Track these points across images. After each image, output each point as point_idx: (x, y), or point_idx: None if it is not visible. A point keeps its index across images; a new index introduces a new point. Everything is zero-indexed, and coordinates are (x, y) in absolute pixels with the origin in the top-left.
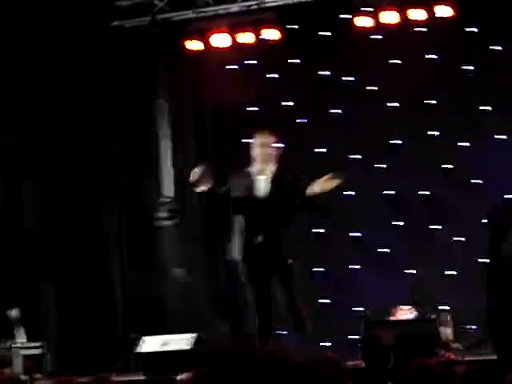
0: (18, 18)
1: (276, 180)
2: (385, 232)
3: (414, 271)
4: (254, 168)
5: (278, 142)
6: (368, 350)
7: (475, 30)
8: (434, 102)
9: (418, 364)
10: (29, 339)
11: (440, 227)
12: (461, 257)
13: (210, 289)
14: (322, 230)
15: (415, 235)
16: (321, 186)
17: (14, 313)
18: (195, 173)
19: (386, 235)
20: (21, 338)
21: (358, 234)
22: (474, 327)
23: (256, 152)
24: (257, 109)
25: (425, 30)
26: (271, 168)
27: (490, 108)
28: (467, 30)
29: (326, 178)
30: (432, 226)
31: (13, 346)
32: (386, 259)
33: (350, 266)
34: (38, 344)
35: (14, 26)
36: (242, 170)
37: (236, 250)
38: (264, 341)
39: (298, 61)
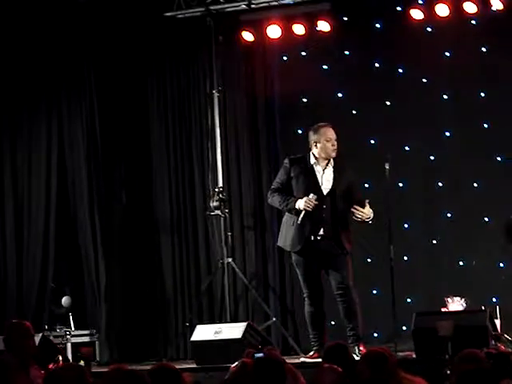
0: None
1: (337, 174)
2: (435, 222)
3: (462, 262)
4: (316, 160)
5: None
6: (421, 340)
7: None
8: (483, 94)
9: (467, 354)
10: (78, 327)
11: (491, 218)
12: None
13: (260, 277)
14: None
15: (465, 226)
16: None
17: (65, 301)
18: (311, 204)
19: (437, 225)
20: (71, 326)
21: (406, 226)
22: None
23: (322, 146)
24: (309, 100)
25: (477, 22)
26: (330, 160)
27: None
28: None
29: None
30: (483, 217)
31: (66, 333)
32: (436, 250)
33: (404, 257)
34: (89, 332)
35: (70, 15)
36: (303, 158)
37: (291, 241)
38: (319, 329)
39: (350, 52)
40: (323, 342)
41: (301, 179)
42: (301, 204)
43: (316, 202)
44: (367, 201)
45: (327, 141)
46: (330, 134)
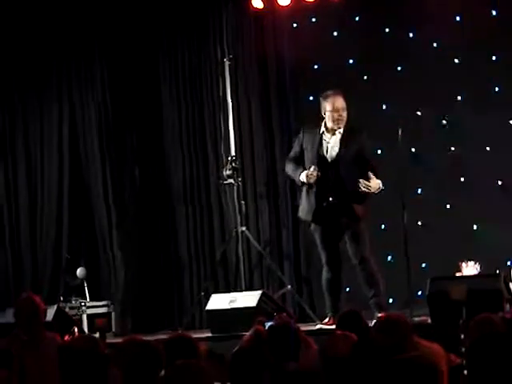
0: None
1: (347, 140)
2: (449, 187)
3: (476, 226)
4: (326, 127)
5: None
6: (436, 305)
7: None
8: (494, 58)
9: (483, 318)
10: (93, 299)
11: (504, 181)
12: None
13: (274, 245)
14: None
15: (479, 189)
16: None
17: (80, 272)
18: (313, 177)
19: (450, 190)
20: (87, 298)
21: (419, 191)
22: None
23: (330, 115)
24: (320, 66)
25: None
26: (341, 128)
27: None
28: None
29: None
30: (496, 180)
31: (82, 304)
32: (450, 214)
33: (418, 223)
34: (104, 303)
35: None
36: (315, 127)
37: (304, 210)
38: (336, 296)
39: (360, 17)
40: (338, 308)
41: (309, 148)
42: (303, 177)
43: (317, 174)
44: (371, 173)
45: (333, 111)
46: (338, 103)
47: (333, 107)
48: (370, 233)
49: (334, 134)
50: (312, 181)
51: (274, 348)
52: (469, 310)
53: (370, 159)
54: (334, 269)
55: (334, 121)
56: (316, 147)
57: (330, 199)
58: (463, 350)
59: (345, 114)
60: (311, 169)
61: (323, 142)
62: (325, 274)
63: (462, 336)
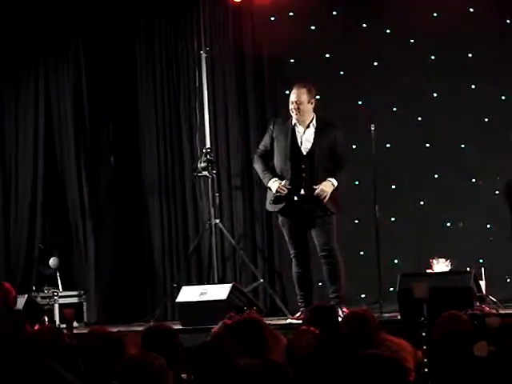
0: None
1: (321, 134)
2: (423, 184)
3: (449, 223)
4: (295, 120)
5: (314, 94)
6: (405, 301)
7: None
8: (470, 55)
9: (448, 316)
10: (66, 288)
11: (478, 179)
12: (496, 211)
13: (248, 238)
14: (357, 183)
15: (453, 187)
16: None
17: (52, 262)
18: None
19: (424, 187)
20: (59, 287)
21: (393, 187)
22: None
23: (290, 106)
24: (296, 61)
25: None
26: (312, 120)
27: None
28: None
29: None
30: (470, 178)
31: (54, 294)
32: (423, 211)
33: (392, 219)
34: (76, 293)
35: None
36: (286, 119)
37: (272, 202)
38: (306, 290)
39: (337, 12)
40: (310, 302)
41: (281, 139)
42: (273, 186)
43: (288, 187)
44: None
45: (290, 102)
46: (292, 95)
47: (290, 99)
48: (339, 227)
49: (308, 126)
50: (282, 194)
51: (238, 342)
52: (437, 307)
53: (342, 157)
54: (302, 263)
55: (291, 111)
56: (290, 139)
57: (302, 192)
58: (424, 347)
59: (302, 107)
60: (283, 182)
61: (296, 133)
62: (294, 268)
63: (424, 334)
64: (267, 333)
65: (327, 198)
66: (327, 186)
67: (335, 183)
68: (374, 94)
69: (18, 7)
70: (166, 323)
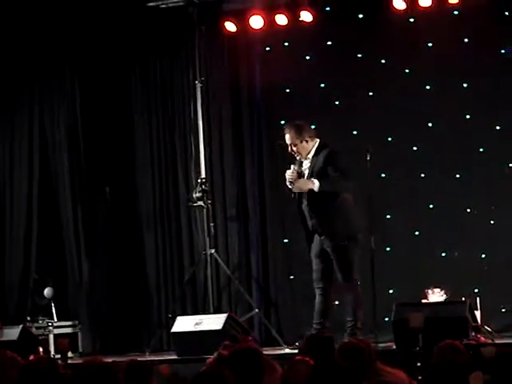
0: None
1: (316, 157)
2: (418, 213)
3: (444, 253)
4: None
5: (308, 129)
6: (400, 331)
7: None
8: (465, 85)
9: (445, 345)
10: (61, 318)
11: (472, 210)
12: (491, 240)
13: (243, 268)
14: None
15: (448, 217)
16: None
17: (47, 292)
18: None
19: (419, 216)
20: (54, 317)
21: (388, 216)
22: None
23: (289, 149)
24: (292, 90)
25: (460, 13)
26: (313, 148)
27: None
28: (502, 13)
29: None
30: (465, 208)
31: (49, 324)
32: (418, 240)
33: (387, 248)
34: (71, 323)
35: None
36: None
37: None
38: (325, 317)
39: (332, 43)
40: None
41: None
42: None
43: (292, 175)
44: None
45: (287, 145)
46: (286, 137)
47: (286, 141)
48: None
49: (306, 158)
50: (292, 181)
51: (236, 372)
52: (429, 337)
53: (332, 171)
54: (321, 290)
55: (292, 152)
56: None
57: (311, 226)
58: (419, 377)
59: (296, 148)
60: (292, 167)
61: (304, 166)
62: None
63: (419, 364)
64: (264, 362)
65: (294, 185)
66: (304, 182)
67: (316, 184)
68: (370, 123)
69: (15, 44)
70: (149, 357)
